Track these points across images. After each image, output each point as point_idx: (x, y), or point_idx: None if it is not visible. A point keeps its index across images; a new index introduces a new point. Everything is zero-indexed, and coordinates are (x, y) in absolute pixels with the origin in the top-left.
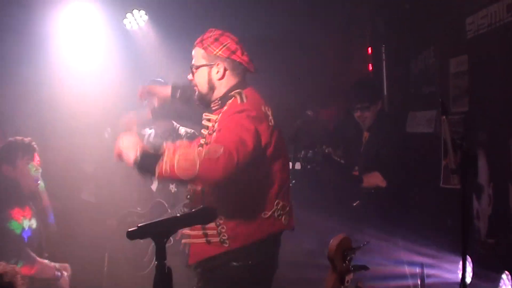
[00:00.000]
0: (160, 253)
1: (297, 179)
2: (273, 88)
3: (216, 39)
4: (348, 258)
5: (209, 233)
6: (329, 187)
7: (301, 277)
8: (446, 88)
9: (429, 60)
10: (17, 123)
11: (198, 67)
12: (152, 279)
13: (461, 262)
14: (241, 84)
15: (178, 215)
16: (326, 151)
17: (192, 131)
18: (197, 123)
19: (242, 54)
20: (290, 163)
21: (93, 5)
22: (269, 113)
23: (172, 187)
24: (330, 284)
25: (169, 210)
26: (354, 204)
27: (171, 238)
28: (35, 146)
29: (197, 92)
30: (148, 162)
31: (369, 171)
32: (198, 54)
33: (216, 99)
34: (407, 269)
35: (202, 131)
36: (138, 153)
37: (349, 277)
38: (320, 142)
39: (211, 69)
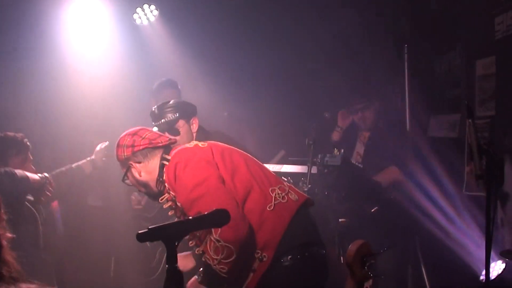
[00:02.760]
0: (171, 257)
1: (313, 183)
2: (289, 89)
3: (118, 145)
4: (367, 264)
5: (250, 264)
6: (346, 192)
7: None
8: (471, 91)
9: (454, 61)
10: (20, 122)
11: (124, 180)
12: (159, 285)
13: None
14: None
15: (190, 217)
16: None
17: None
18: None
19: (142, 138)
20: (307, 167)
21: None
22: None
23: None
24: None
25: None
26: (372, 210)
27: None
28: (28, 143)
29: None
30: None
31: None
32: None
33: (157, 186)
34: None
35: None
36: None
37: (368, 284)
38: (338, 145)
39: (132, 173)
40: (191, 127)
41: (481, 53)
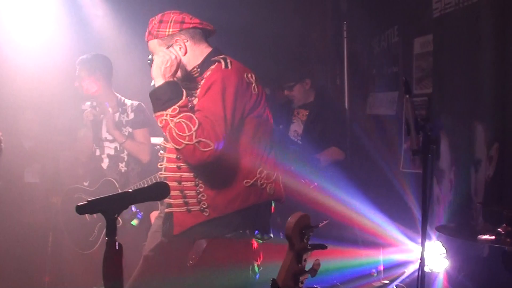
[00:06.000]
0: (111, 229)
1: None
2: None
3: (161, 21)
4: (306, 236)
5: (189, 202)
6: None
7: None
8: (409, 68)
9: (392, 39)
10: None
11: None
12: (98, 258)
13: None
14: (214, 51)
15: (130, 190)
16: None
17: (138, 103)
18: None
19: (191, 18)
20: None
21: None
22: (253, 80)
23: (122, 167)
24: (287, 263)
25: (119, 190)
26: (311, 187)
27: (119, 219)
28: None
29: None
30: (163, 94)
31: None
32: (154, 46)
33: (194, 67)
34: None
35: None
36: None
37: (306, 256)
38: (278, 122)
39: (174, 50)
40: None
41: (419, 31)
